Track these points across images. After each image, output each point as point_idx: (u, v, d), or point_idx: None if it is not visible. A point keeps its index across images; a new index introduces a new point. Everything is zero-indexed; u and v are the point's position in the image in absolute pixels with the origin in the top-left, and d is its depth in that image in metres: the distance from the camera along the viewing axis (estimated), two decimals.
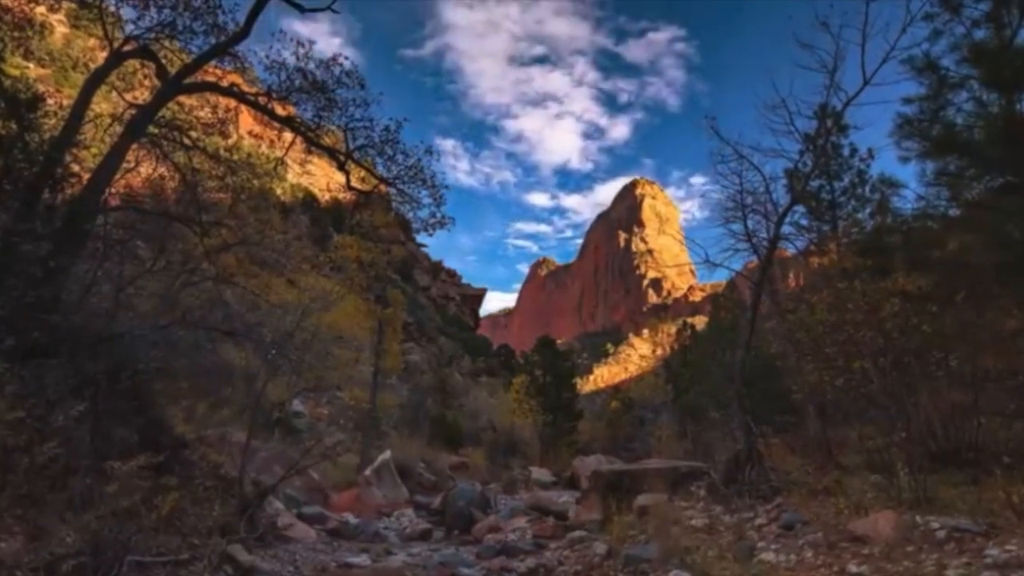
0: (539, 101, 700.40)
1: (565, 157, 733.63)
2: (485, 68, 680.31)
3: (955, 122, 7.80)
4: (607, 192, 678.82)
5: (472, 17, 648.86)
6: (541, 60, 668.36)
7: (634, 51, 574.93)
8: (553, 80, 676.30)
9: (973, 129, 7.57)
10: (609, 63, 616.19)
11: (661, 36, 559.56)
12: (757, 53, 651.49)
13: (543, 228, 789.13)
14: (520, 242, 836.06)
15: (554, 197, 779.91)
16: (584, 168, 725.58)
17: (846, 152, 12.66)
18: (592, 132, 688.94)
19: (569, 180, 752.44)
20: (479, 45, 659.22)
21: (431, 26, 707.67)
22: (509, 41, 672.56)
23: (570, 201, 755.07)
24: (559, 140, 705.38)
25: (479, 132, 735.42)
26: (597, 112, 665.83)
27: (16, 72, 9.50)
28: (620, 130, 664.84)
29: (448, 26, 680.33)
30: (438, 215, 10.50)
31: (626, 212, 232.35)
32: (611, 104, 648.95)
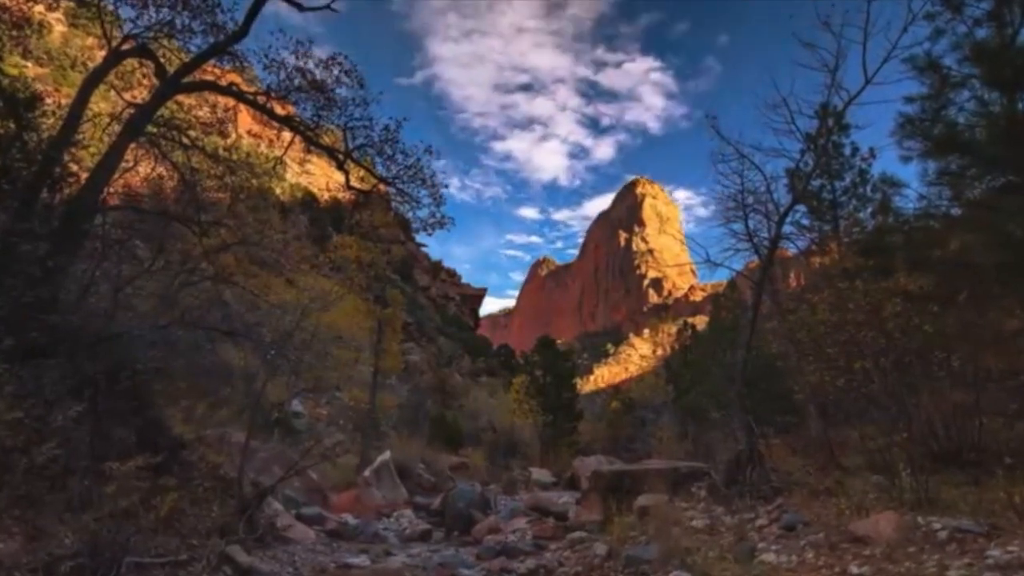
0: (525, 124, 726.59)
1: (553, 175, 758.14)
2: (472, 95, 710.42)
3: (957, 121, 7.78)
4: (595, 207, 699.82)
5: (458, 50, 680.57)
6: (525, 87, 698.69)
7: (613, 80, 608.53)
8: (538, 105, 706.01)
9: (975, 128, 7.55)
10: (590, 90, 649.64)
11: (637, 67, 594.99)
12: (732, 80, 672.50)
13: (535, 239, 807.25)
14: (512, 252, 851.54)
15: (544, 211, 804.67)
16: (572, 185, 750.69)
17: (847, 151, 12.71)
18: (577, 152, 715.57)
19: (558, 196, 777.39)
20: (466, 74, 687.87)
21: (420, 58, 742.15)
22: (494, 71, 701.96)
23: (560, 215, 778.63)
24: (546, 159, 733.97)
25: (469, 152, 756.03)
26: (581, 134, 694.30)
27: (14, 71, 9.48)
28: (604, 150, 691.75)
29: (436, 58, 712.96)
30: (437, 215, 10.51)
31: (626, 211, 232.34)
32: (594, 127, 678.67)
